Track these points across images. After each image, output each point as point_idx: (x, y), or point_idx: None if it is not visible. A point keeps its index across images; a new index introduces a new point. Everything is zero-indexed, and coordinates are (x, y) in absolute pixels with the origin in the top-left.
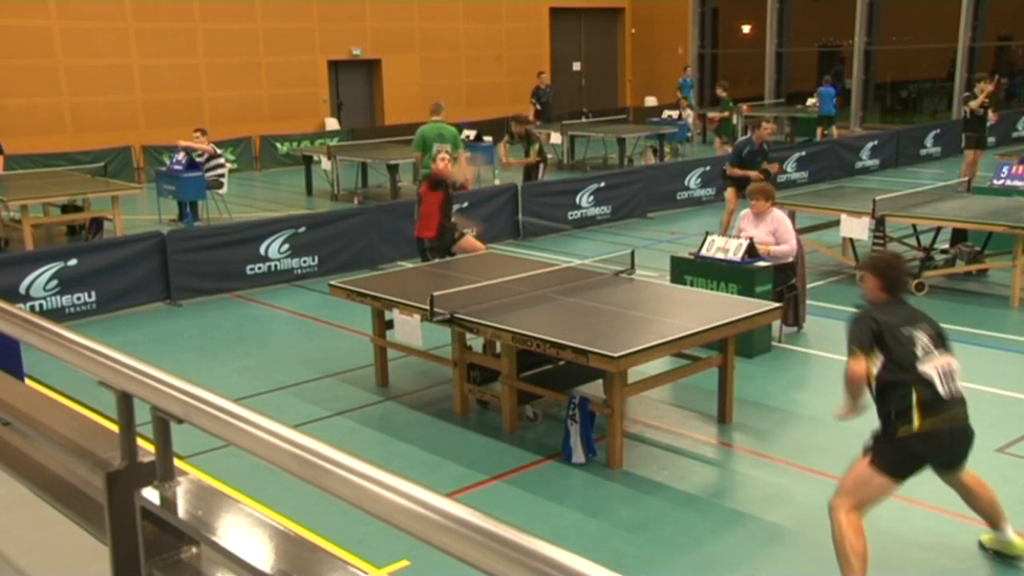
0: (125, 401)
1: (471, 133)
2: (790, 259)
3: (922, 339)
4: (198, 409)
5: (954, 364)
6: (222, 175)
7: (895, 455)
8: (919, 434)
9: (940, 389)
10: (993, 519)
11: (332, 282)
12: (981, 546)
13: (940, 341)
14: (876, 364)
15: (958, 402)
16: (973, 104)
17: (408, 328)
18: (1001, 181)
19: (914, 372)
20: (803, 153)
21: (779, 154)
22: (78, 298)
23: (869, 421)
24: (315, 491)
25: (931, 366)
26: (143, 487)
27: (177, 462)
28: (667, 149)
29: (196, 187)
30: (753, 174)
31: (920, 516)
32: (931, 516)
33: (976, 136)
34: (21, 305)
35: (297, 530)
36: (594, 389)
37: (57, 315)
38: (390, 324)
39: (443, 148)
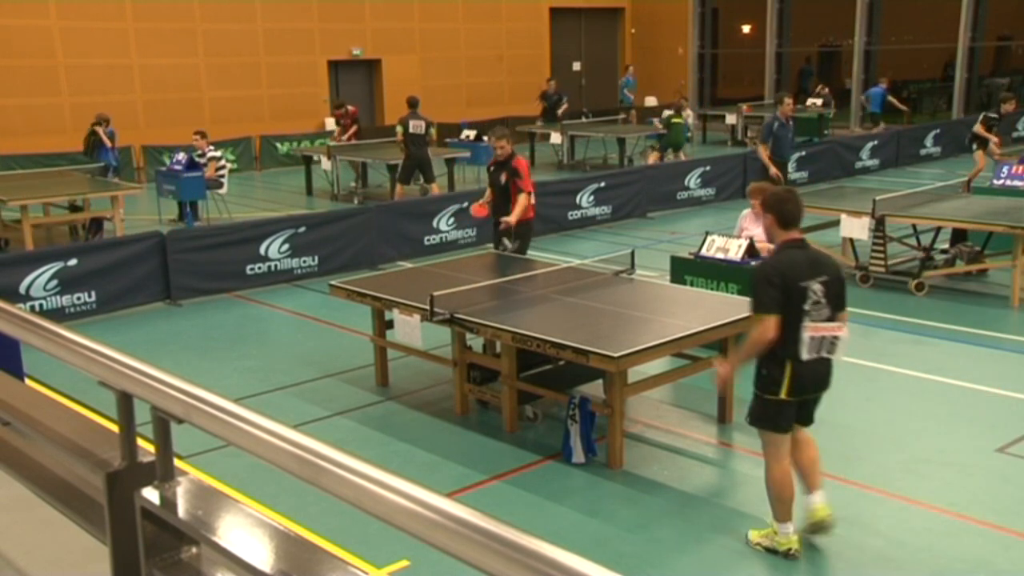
0: (125, 401)
1: (471, 133)
2: None
3: (815, 294)
4: (198, 409)
5: (836, 331)
6: (222, 175)
7: (765, 413)
8: (783, 401)
9: (807, 355)
10: (813, 481)
11: (332, 282)
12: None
13: (833, 297)
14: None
15: (823, 365)
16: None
17: (408, 328)
18: (1001, 181)
19: (795, 336)
20: (803, 153)
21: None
22: (78, 298)
23: (870, 421)
24: (315, 491)
25: (810, 331)
26: (143, 487)
27: (177, 462)
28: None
29: (196, 187)
30: (773, 170)
31: (920, 516)
32: (931, 516)
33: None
34: (21, 305)
35: (297, 530)
36: (594, 389)
37: (57, 315)
38: (390, 324)
39: None
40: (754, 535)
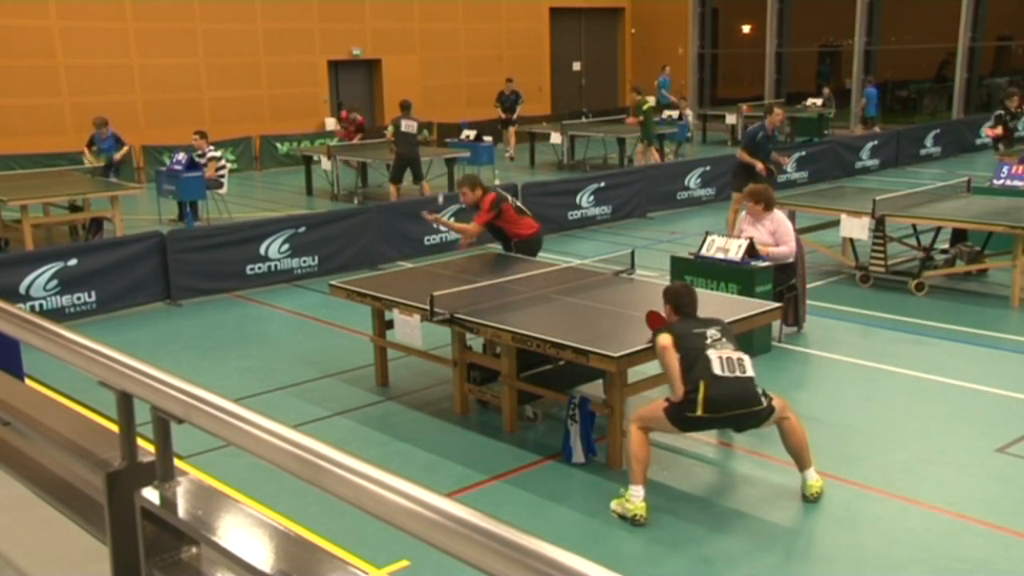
0: (125, 401)
1: (471, 133)
2: (790, 260)
3: (714, 335)
4: (198, 409)
5: (740, 353)
6: (222, 175)
7: (678, 417)
8: (700, 417)
9: (720, 371)
10: (800, 463)
11: (332, 282)
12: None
13: (729, 337)
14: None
15: (741, 383)
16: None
17: (408, 328)
18: (1001, 181)
19: (703, 362)
20: (803, 153)
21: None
22: (78, 298)
23: (870, 422)
24: (315, 491)
25: (716, 354)
26: (143, 487)
27: (177, 462)
28: (667, 149)
29: (196, 187)
30: (760, 165)
31: (920, 516)
32: (931, 516)
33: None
34: (21, 305)
35: (297, 530)
36: (594, 389)
37: (57, 315)
38: (390, 324)
39: None
40: (614, 504)
